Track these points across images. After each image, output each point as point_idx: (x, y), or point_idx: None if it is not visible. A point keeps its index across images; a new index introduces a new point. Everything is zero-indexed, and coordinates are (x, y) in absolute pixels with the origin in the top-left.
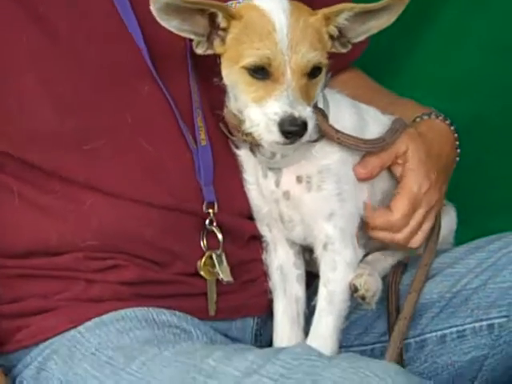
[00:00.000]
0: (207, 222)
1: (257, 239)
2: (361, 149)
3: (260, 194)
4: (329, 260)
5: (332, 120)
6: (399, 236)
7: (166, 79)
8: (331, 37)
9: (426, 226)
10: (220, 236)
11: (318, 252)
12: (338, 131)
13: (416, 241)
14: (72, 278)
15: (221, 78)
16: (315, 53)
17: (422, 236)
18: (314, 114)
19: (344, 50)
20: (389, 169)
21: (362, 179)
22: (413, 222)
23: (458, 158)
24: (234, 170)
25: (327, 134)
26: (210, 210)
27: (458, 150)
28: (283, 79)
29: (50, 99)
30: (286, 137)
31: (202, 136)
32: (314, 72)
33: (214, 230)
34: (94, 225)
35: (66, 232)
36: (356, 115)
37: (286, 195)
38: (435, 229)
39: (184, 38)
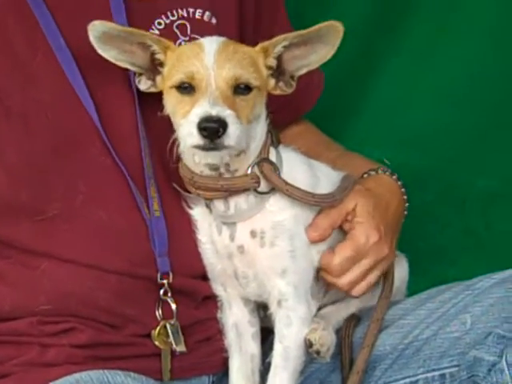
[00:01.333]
0: (161, 292)
1: (211, 298)
2: (310, 202)
3: (214, 252)
4: (283, 316)
5: (285, 176)
6: (341, 281)
7: (116, 144)
8: (271, 71)
9: (372, 277)
10: (174, 306)
11: (273, 308)
12: (287, 183)
13: (358, 290)
14: (26, 343)
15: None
16: (242, 70)
17: (366, 286)
18: (234, 119)
19: (289, 90)
20: (339, 226)
21: (314, 242)
22: (356, 270)
23: (406, 212)
24: (189, 235)
25: (276, 185)
26: (165, 280)
27: (407, 204)
28: (207, 90)
29: (4, 171)
30: (205, 136)
31: (156, 207)
32: (242, 89)
33: (169, 300)
34: (47, 289)
35: (19, 297)
36: (309, 172)
37: (241, 249)
38: (387, 283)
39: (133, 101)
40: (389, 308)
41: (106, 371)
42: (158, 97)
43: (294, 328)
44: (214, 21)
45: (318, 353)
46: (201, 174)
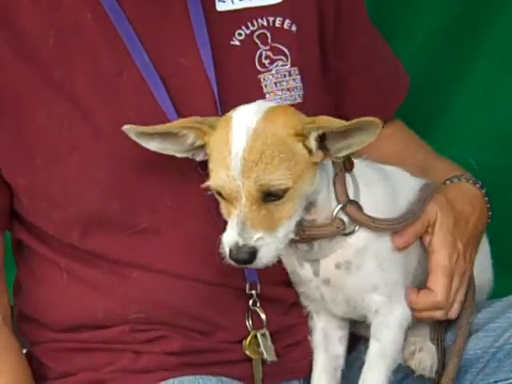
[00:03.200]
0: (251, 302)
1: (299, 304)
2: (396, 229)
3: (298, 279)
4: (380, 321)
5: (364, 201)
6: (439, 313)
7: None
8: (316, 147)
9: (460, 295)
10: (264, 316)
11: (369, 317)
12: (374, 220)
13: (454, 312)
14: (120, 350)
15: None
16: (271, 176)
17: (458, 306)
18: (265, 240)
19: (339, 160)
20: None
21: (399, 249)
22: (450, 296)
23: (489, 220)
24: None
25: (365, 224)
26: (253, 291)
27: (490, 213)
28: (237, 204)
29: (95, 186)
30: (238, 263)
31: None
32: (274, 195)
33: (258, 310)
34: (138, 298)
35: (112, 305)
36: (387, 188)
37: (326, 282)
38: (469, 290)
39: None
40: (477, 312)
41: (198, 376)
42: None
43: (391, 330)
44: (294, 28)
45: (422, 376)
46: None
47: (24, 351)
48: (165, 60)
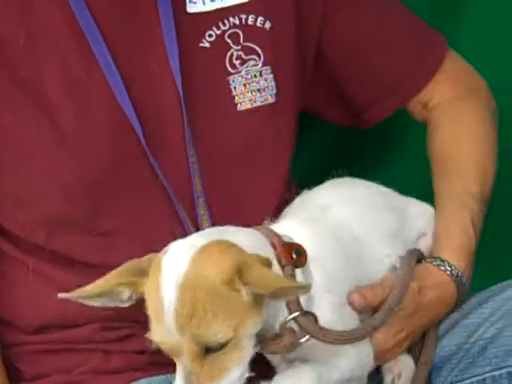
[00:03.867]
0: None
1: None
2: (347, 342)
3: None
4: None
5: (321, 302)
6: None
7: (164, 165)
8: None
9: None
10: None
11: None
12: (321, 329)
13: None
14: (90, 351)
15: None
16: (207, 332)
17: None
18: None
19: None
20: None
21: (357, 305)
22: None
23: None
24: None
25: (313, 336)
26: None
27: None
28: (179, 359)
29: (59, 189)
30: None
31: (204, 224)
32: (214, 348)
33: None
34: None
35: (81, 303)
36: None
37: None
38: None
39: (182, 122)
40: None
41: (169, 376)
42: (208, 116)
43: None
44: (268, 25)
45: None
46: None
47: None
48: (131, 62)
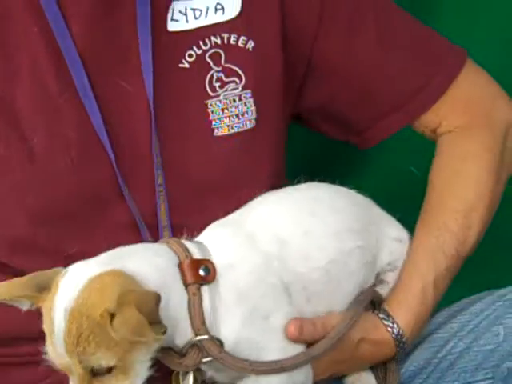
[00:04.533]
0: None
1: None
2: (246, 371)
3: None
4: None
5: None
6: None
7: (134, 192)
8: None
9: None
10: None
11: None
12: (221, 351)
13: None
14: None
15: None
16: (91, 358)
17: None
18: None
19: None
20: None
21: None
22: None
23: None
24: None
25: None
26: None
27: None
28: (72, 378)
29: (23, 212)
30: None
31: None
32: (101, 373)
33: None
34: None
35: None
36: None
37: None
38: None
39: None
40: None
41: None
42: (181, 140)
43: None
44: (250, 45)
45: None
46: None
47: None
48: (107, 83)
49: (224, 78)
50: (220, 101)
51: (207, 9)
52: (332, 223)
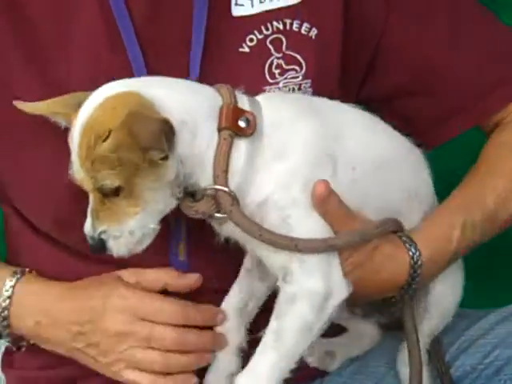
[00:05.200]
0: None
1: None
2: (255, 236)
3: None
4: (286, 293)
5: (260, 184)
6: None
7: None
8: None
9: None
10: None
11: (279, 283)
12: (233, 204)
13: None
14: None
15: None
16: (96, 175)
17: None
18: (110, 233)
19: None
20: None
21: (319, 194)
22: None
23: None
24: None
25: (247, 231)
26: None
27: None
28: (89, 197)
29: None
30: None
31: (181, 250)
32: (109, 193)
33: None
34: None
35: None
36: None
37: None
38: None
39: None
40: (467, 328)
41: None
42: None
43: (295, 307)
44: (313, 33)
45: None
46: None
47: None
48: (161, 64)
49: (284, 65)
50: (279, 88)
51: None
52: (394, 137)
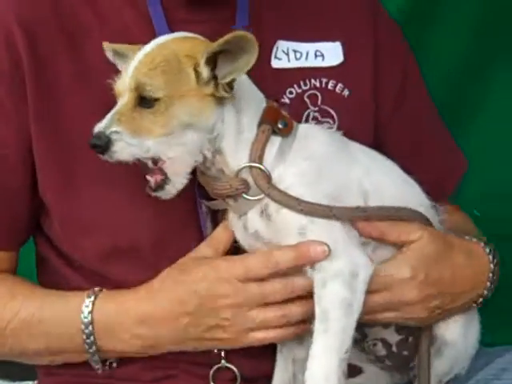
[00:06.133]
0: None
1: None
2: (295, 209)
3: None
4: (318, 279)
5: (284, 174)
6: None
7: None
8: (207, 77)
9: (386, 316)
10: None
11: (309, 274)
12: (269, 187)
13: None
14: None
15: None
16: (147, 80)
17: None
18: (123, 137)
19: (226, 95)
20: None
21: (362, 232)
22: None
23: (491, 288)
24: None
25: (264, 194)
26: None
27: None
28: (120, 101)
29: (126, 216)
30: (92, 148)
31: None
32: (147, 101)
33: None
34: None
35: None
36: (325, 175)
37: (256, 236)
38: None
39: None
40: (481, 369)
41: None
42: None
43: (329, 288)
44: (346, 93)
45: None
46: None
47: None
48: None
49: (319, 118)
50: None
51: (307, 53)
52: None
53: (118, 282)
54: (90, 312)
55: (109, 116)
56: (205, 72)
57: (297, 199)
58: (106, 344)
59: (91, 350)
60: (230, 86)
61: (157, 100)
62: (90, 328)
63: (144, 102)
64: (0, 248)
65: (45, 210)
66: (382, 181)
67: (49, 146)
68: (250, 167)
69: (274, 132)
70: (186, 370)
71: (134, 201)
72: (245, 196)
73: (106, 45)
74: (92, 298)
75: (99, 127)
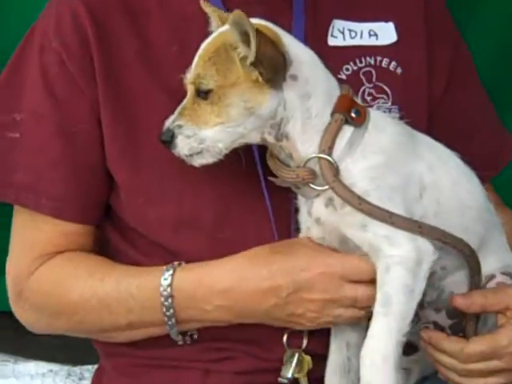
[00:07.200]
0: None
1: None
2: (355, 206)
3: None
4: (381, 265)
5: (351, 166)
6: (463, 367)
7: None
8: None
9: (493, 381)
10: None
11: (373, 260)
12: (335, 180)
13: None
14: (190, 368)
15: None
16: (200, 71)
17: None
18: (184, 130)
19: (260, 78)
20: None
21: (458, 306)
22: (482, 366)
23: None
24: None
25: (331, 188)
26: None
27: None
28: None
29: (190, 187)
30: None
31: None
32: (202, 92)
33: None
34: None
35: None
36: (392, 172)
37: (318, 221)
38: None
39: None
40: None
41: None
42: None
43: (391, 274)
44: (399, 71)
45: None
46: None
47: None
48: None
49: (375, 94)
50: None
51: (361, 32)
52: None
53: (178, 254)
54: (170, 285)
55: (176, 111)
56: (249, 57)
57: (359, 197)
58: (185, 316)
59: (170, 323)
60: (273, 69)
61: (210, 91)
62: (170, 301)
63: (201, 93)
64: (76, 220)
65: (113, 184)
66: (442, 179)
67: (117, 119)
68: (319, 158)
69: (347, 121)
70: (245, 351)
71: (197, 173)
72: (311, 185)
73: (203, 4)
74: (171, 271)
75: (168, 122)
